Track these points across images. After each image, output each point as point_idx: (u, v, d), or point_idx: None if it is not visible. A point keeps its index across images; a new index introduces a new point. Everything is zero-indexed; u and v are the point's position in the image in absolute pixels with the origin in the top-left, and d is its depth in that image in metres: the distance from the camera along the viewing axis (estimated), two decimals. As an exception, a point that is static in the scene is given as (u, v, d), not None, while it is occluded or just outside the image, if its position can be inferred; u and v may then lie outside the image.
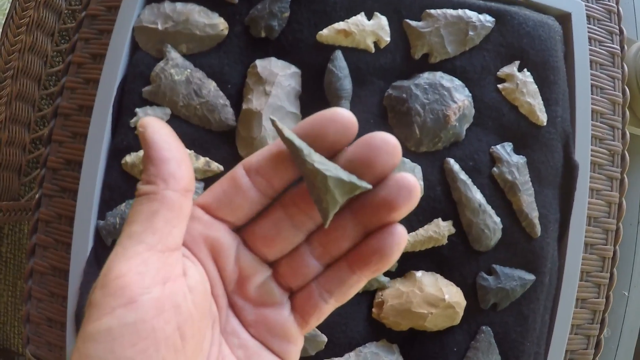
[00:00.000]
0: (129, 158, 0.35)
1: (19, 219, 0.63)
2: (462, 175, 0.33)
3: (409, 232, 0.33)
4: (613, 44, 0.44)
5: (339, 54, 0.33)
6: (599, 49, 0.43)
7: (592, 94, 0.43)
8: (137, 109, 0.35)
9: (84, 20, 0.42)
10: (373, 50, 0.34)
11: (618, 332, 0.56)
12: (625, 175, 0.42)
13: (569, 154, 0.36)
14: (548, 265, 0.35)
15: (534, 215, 0.34)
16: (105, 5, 0.42)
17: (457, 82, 0.34)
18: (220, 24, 0.35)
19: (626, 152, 0.43)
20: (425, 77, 0.34)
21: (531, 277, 0.35)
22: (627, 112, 0.43)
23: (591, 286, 0.42)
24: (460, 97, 0.34)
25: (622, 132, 0.43)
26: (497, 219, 0.34)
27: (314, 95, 0.34)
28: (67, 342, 0.36)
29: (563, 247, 0.36)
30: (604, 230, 0.42)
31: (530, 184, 0.35)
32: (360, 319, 0.34)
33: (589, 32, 0.43)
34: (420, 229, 0.33)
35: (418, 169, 0.33)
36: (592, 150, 0.42)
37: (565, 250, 0.36)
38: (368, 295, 0.34)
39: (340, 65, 0.33)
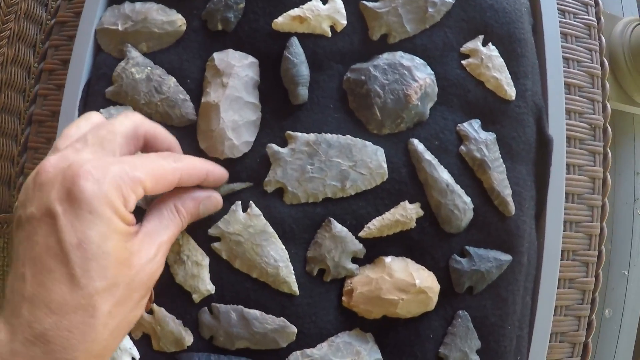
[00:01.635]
0: (96, 158, 0.35)
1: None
2: (427, 155, 0.33)
3: (374, 217, 0.33)
4: (588, 15, 0.42)
5: (294, 41, 0.33)
6: (574, 21, 0.42)
7: (569, 67, 0.41)
8: (101, 110, 0.35)
9: (53, 28, 0.43)
10: (330, 34, 0.34)
11: (620, 313, 0.54)
12: (608, 149, 0.41)
13: (542, 128, 0.35)
14: (525, 244, 0.34)
15: (507, 193, 0.33)
16: (74, 12, 0.43)
17: (418, 60, 0.33)
18: (178, 20, 0.35)
19: (608, 126, 0.41)
20: (385, 58, 0.33)
21: (507, 257, 0.33)
22: (607, 85, 0.42)
23: (579, 265, 0.40)
24: (421, 76, 0.33)
25: (603, 105, 0.41)
26: (467, 199, 0.33)
27: (273, 84, 0.34)
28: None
29: (541, 225, 0.35)
30: (588, 207, 0.40)
31: (501, 161, 0.34)
32: (330, 308, 0.33)
33: (562, 4, 0.41)
34: (386, 212, 0.33)
35: (380, 151, 0.32)
36: (572, 125, 0.41)
37: (544, 229, 0.35)
38: (337, 284, 0.33)
39: (296, 51, 0.33)
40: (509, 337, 0.34)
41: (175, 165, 0.26)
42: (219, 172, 0.31)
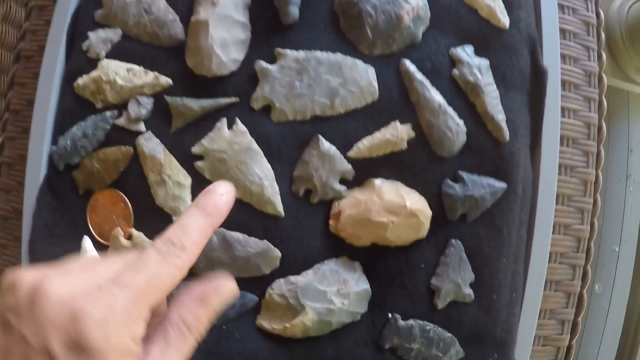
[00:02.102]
0: (81, 80, 0.34)
1: None
2: (419, 76, 0.32)
3: (364, 136, 0.32)
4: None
5: (286, -39, 0.33)
6: None
7: (564, 14, 0.41)
8: (90, 32, 0.35)
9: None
10: (322, -44, 0.33)
11: (610, 288, 0.53)
12: (603, 98, 0.40)
13: (537, 58, 0.34)
14: (520, 173, 0.33)
15: (500, 118, 0.32)
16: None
17: (410, -16, 0.33)
18: (171, -55, 0.35)
19: (603, 74, 0.41)
20: (377, -19, 0.33)
21: (502, 184, 0.32)
22: (602, 34, 0.41)
23: (574, 212, 0.39)
24: (413, -2, 0.32)
25: (598, 54, 0.41)
26: (460, 121, 0.32)
27: (264, 4, 0.33)
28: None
29: (536, 159, 0.34)
30: (583, 153, 0.39)
31: (495, 86, 0.33)
32: (316, 232, 0.32)
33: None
34: (376, 132, 0.32)
35: (371, 70, 0.32)
36: (567, 70, 0.40)
37: (539, 162, 0.34)
38: (324, 207, 0.32)
39: (288, -29, 0.32)
40: (504, 270, 0.32)
41: (181, 261, 0.20)
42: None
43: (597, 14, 0.42)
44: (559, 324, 0.40)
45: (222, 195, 0.22)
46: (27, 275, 0.20)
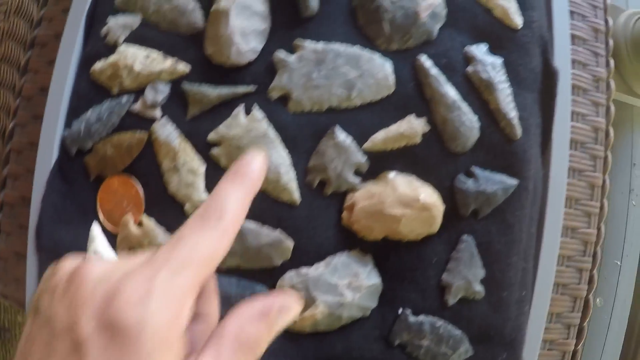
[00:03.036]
0: (98, 65, 0.34)
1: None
2: (435, 71, 0.32)
3: (379, 128, 0.32)
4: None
5: (307, -44, 0.33)
6: (579, 1, 0.43)
7: (573, 19, 0.42)
8: (110, 17, 0.35)
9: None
10: (342, -46, 0.34)
11: (611, 302, 0.53)
12: (611, 103, 0.41)
13: (548, 59, 0.35)
14: (531, 170, 0.33)
15: (513, 115, 0.33)
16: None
17: (427, -17, 0.34)
18: (193, -62, 0.36)
19: (611, 80, 0.41)
20: (395, -21, 0.34)
21: (513, 181, 0.32)
22: (610, 41, 0.42)
23: (581, 215, 0.39)
24: (430, -3, 0.33)
25: (606, 60, 0.42)
26: (474, 117, 0.32)
27: (284, -3, 0.34)
28: (28, 261, 0.34)
29: (547, 158, 0.34)
30: (591, 157, 0.40)
31: (508, 84, 0.33)
32: (329, 224, 0.32)
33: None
34: (392, 125, 0.32)
35: (388, 63, 0.32)
36: (576, 75, 0.41)
37: (549, 161, 0.34)
38: (338, 198, 0.32)
39: (308, -35, 0.33)
40: (515, 267, 0.32)
41: (220, 231, 0.18)
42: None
43: (606, 21, 0.43)
44: (564, 328, 0.40)
45: (254, 159, 0.20)
46: (68, 261, 0.19)
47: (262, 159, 0.20)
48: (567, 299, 0.39)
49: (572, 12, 0.42)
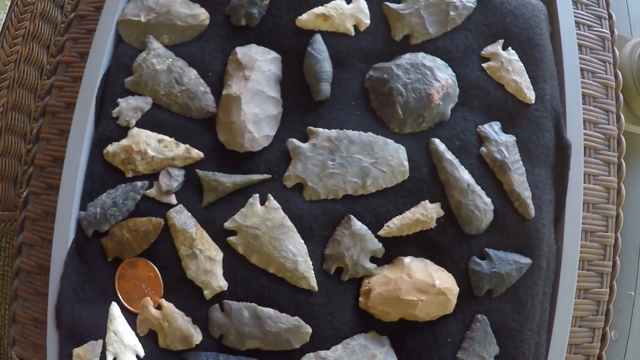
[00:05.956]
0: (111, 148, 0.34)
1: (15, 230, 0.63)
2: (449, 155, 0.32)
3: (394, 215, 0.32)
4: (602, 28, 0.43)
5: (318, 38, 0.33)
6: (589, 33, 0.43)
7: (583, 77, 0.42)
8: (119, 99, 0.35)
9: (73, 21, 0.43)
10: (353, 33, 0.34)
11: (626, 333, 0.53)
12: (622, 160, 0.41)
13: (561, 132, 0.35)
14: (544, 248, 0.33)
15: (527, 195, 0.33)
16: (94, 6, 0.43)
17: (440, 61, 0.34)
18: (201, 14, 0.35)
19: (622, 136, 0.41)
20: (407, 58, 0.33)
21: (527, 260, 0.33)
22: (621, 96, 0.42)
23: (593, 275, 0.40)
24: (443, 76, 0.33)
25: (617, 116, 0.42)
26: (488, 200, 0.33)
27: (295, 79, 0.34)
28: (48, 336, 0.35)
29: (560, 230, 0.35)
30: (603, 217, 0.40)
31: (521, 163, 0.33)
32: (347, 309, 0.32)
33: (577, 16, 0.42)
34: (407, 211, 0.32)
35: (402, 149, 0.32)
36: (587, 135, 0.41)
37: (562, 234, 0.34)
38: (354, 284, 0.33)
39: (319, 48, 0.33)
40: (528, 342, 0.33)
41: None
42: None
43: (616, 76, 0.43)
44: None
45: None
46: None
47: None
48: (580, 358, 0.39)
49: (582, 69, 0.41)
